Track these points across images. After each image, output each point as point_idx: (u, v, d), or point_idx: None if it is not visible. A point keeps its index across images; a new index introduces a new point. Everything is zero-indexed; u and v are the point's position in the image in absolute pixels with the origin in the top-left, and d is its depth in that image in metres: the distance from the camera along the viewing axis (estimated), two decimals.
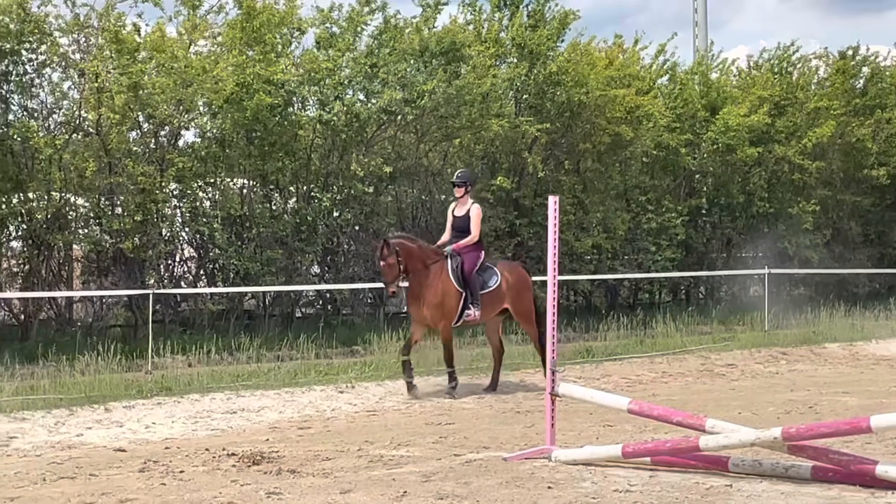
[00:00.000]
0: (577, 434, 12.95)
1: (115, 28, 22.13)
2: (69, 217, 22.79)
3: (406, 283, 17.17)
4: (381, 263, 16.61)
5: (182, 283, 24.12)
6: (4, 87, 21.99)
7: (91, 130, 22.68)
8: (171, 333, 21.71)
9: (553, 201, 11.67)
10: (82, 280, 23.73)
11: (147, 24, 23.00)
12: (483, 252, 17.40)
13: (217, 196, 24.07)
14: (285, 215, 24.27)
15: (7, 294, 21.91)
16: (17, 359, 18.23)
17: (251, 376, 17.95)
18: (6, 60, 21.68)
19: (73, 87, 22.77)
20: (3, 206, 21.64)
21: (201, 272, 24.52)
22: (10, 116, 22.13)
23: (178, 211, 23.67)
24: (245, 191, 24.46)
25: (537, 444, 11.93)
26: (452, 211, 17.62)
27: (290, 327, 23.34)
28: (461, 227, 17.28)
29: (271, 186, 24.73)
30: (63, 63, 22.44)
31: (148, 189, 22.23)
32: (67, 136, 22.57)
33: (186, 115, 23.20)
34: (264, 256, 23.52)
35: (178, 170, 22.71)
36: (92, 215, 22.88)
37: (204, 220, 23.37)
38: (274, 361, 19.79)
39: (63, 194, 22.48)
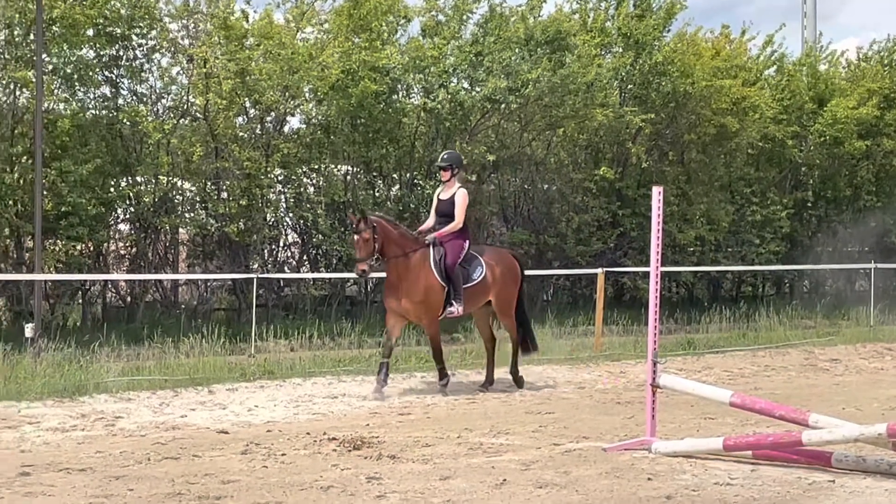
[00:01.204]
0: (678, 426, 12.87)
1: (223, 14, 22.38)
2: (176, 201, 23.11)
3: (373, 268, 15.72)
4: (356, 237, 15.42)
5: (285, 268, 24.33)
6: (115, 72, 22.32)
7: (199, 115, 22.96)
8: (273, 318, 21.92)
9: (657, 192, 11.61)
10: (187, 263, 24.04)
11: (255, 11, 23.29)
12: (468, 241, 16.25)
13: (321, 182, 24.22)
14: (388, 202, 24.36)
15: (114, 276, 22.25)
16: (124, 340, 18.50)
17: (352, 362, 18.07)
18: (117, 45, 22.02)
19: (181, 72, 23.08)
20: (112, 190, 21.99)
21: (304, 257, 24.71)
22: (120, 101, 22.47)
23: (282, 196, 23.86)
24: (349, 177, 24.59)
25: (637, 435, 11.89)
26: (438, 195, 16.46)
27: None
28: (446, 213, 16.09)
29: (375, 173, 24.84)
30: (172, 48, 22.76)
31: (253, 174, 22.45)
32: (175, 121, 22.90)
33: (292, 102, 23.39)
34: None
35: (283, 155, 22.93)
36: (198, 199, 23.19)
37: (308, 205, 23.55)
38: (375, 347, 19.85)
39: (170, 178, 22.80)
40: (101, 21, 21.23)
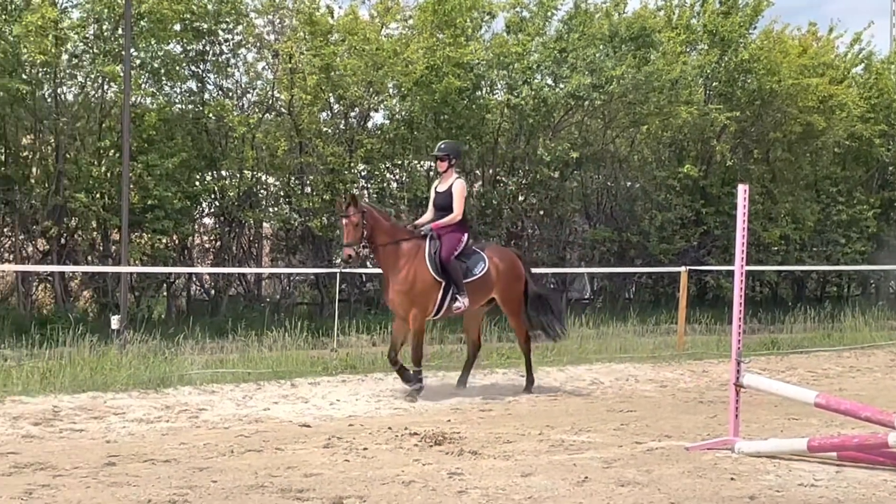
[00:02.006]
0: (761, 426, 12.76)
1: (309, 10, 22.53)
2: (260, 195, 23.29)
3: (360, 255, 14.94)
4: (344, 221, 14.71)
5: (367, 263, 24.32)
6: (201, 67, 22.55)
7: (283, 110, 23.14)
8: (356, 312, 22.00)
9: (742, 190, 11.51)
10: (271, 257, 24.21)
11: (340, 7, 23.50)
12: (466, 234, 15.37)
13: (404, 178, 24.30)
14: (471, 199, 24.35)
15: (199, 269, 22.45)
16: (208, 333, 18.65)
17: (434, 357, 18.08)
18: (203, 40, 22.25)
19: (267, 67, 23.31)
20: (197, 184, 22.21)
21: None
22: (206, 95, 22.71)
23: (365, 191, 23.95)
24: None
25: (720, 434, 11.79)
26: (435, 187, 15.61)
27: None
28: (443, 205, 15.20)
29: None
30: (258, 44, 22.97)
31: (337, 169, 22.57)
32: (260, 116, 23.09)
33: (376, 97, 23.50)
34: None
35: (366, 151, 23.04)
36: (282, 194, 23.35)
37: (391, 201, 23.61)
38: (456, 344, 19.87)
39: (255, 173, 22.99)
40: (189, 16, 21.47)
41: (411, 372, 15.12)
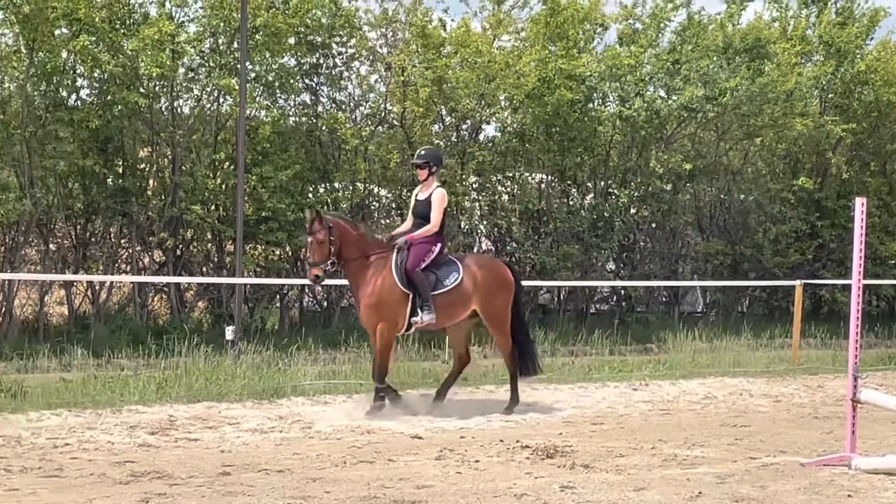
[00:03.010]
0: (879, 442, 12.54)
1: (422, 23, 22.64)
2: (372, 207, 23.41)
3: (328, 273, 14.33)
4: (310, 239, 13.99)
5: None
6: (315, 80, 22.75)
7: (395, 123, 23.29)
8: None
9: (860, 203, 11.33)
10: None
11: (452, 20, 23.56)
12: (439, 245, 14.36)
13: (515, 190, 24.29)
14: (582, 211, 24.32)
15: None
16: (321, 344, 18.77)
17: (546, 370, 18.00)
18: (317, 53, 22.46)
19: (379, 80, 23.46)
20: (311, 196, 22.37)
21: None
22: (320, 108, 22.90)
23: (477, 204, 23.98)
24: (543, 185, 24.60)
25: (836, 450, 11.61)
26: (416, 195, 14.72)
27: (584, 323, 23.38)
28: (422, 214, 14.37)
29: (569, 182, 24.83)
30: (371, 56, 23.13)
31: (449, 181, 22.59)
32: (373, 128, 23.24)
33: (488, 110, 23.54)
34: (560, 251, 23.64)
35: (478, 163, 23.10)
36: (394, 206, 23.44)
37: (502, 213, 23.63)
38: (568, 356, 19.84)
39: (367, 185, 23.12)
40: (303, 29, 21.68)
41: (376, 391, 14.22)
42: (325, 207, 22.74)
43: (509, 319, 14.80)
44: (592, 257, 24.57)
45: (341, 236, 13.97)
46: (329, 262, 14.03)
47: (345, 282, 21.80)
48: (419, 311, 14.01)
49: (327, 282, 22.04)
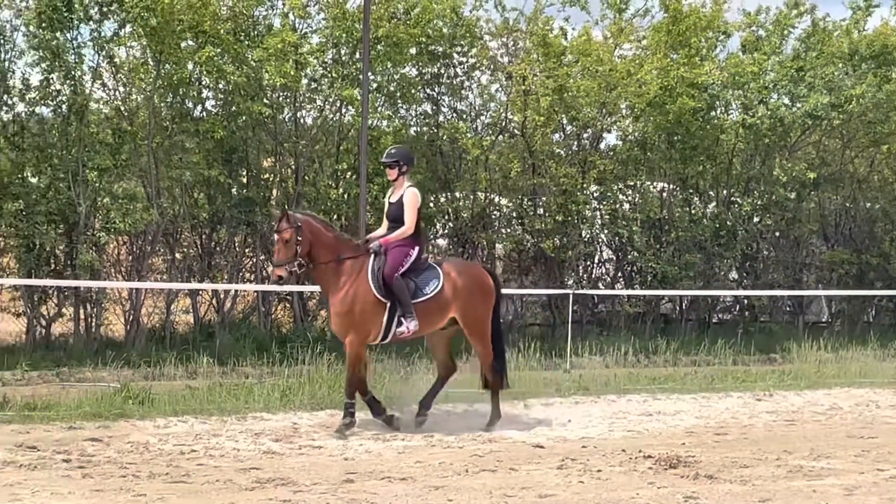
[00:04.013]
0: None
1: (542, 32, 22.60)
2: (493, 216, 23.42)
3: (293, 274, 13.60)
4: (275, 237, 13.38)
5: (600, 285, 24.33)
6: (436, 89, 22.83)
7: (516, 132, 23.28)
8: (587, 334, 21.92)
9: None
10: (503, 278, 24.28)
11: (573, 28, 23.38)
12: (417, 248, 13.71)
13: (637, 199, 24.15)
14: (704, 219, 24.11)
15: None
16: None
17: (667, 380, 17.91)
18: (438, 63, 22.52)
19: (500, 89, 23.45)
20: (432, 205, 22.45)
21: (619, 274, 24.66)
22: (441, 118, 22.95)
23: (597, 213, 23.88)
24: (665, 194, 24.44)
25: None
26: (388, 198, 14.05)
27: (707, 332, 23.17)
28: (395, 217, 13.69)
29: (691, 190, 24.63)
30: (492, 66, 23.13)
31: (569, 190, 22.60)
32: (494, 138, 23.26)
33: (609, 118, 23.43)
34: (682, 260, 23.47)
35: (599, 172, 23.03)
36: (514, 215, 23.46)
37: (623, 222, 23.50)
38: (690, 366, 19.71)
39: (488, 194, 23.14)
40: (424, 39, 21.74)
41: (345, 406, 13.40)
42: (447, 217, 22.85)
43: (490, 327, 14.17)
44: (715, 266, 24.35)
45: (312, 237, 13.27)
46: (296, 263, 13.22)
47: None
48: (402, 320, 13.36)
49: None
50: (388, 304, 13.29)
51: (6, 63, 19.28)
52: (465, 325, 13.93)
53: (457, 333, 14.45)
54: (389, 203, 13.87)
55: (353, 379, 13.41)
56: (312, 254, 13.26)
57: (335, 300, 13.32)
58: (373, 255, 13.39)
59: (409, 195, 13.63)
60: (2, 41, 19.23)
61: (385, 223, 13.94)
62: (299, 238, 13.11)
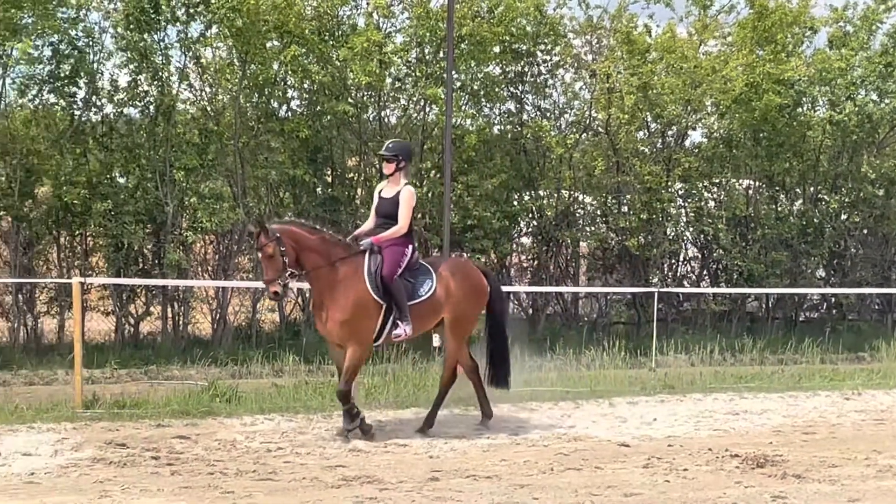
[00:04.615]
0: None
1: (626, 29, 22.53)
2: (577, 214, 23.39)
3: (288, 287, 13.12)
4: (259, 254, 12.83)
5: (685, 283, 24.20)
6: (519, 88, 22.83)
7: (600, 130, 23.22)
8: (672, 332, 21.82)
9: None
10: (587, 276, 24.28)
11: (658, 25, 23.34)
12: (411, 247, 13.16)
13: (722, 196, 24.00)
14: (791, 217, 23.90)
15: (517, 288, 22.69)
16: (526, 351, 18.80)
17: (754, 378, 17.78)
18: (522, 61, 22.53)
19: (584, 87, 23.41)
20: (516, 203, 22.47)
21: (704, 272, 24.52)
22: (525, 116, 22.95)
23: (682, 210, 23.77)
24: (750, 192, 24.25)
25: None
26: (380, 192, 13.42)
27: (794, 330, 23.00)
28: (387, 213, 13.13)
29: (777, 188, 24.42)
30: (575, 64, 23.09)
31: (654, 188, 22.50)
32: (577, 136, 23.22)
33: (694, 116, 23.31)
34: (768, 258, 23.28)
35: (684, 170, 22.93)
36: (599, 213, 23.42)
37: (708, 220, 23.38)
38: (777, 364, 19.55)
39: (572, 192, 23.12)
40: (508, 38, 21.77)
41: (345, 411, 12.79)
42: (531, 215, 22.84)
43: (472, 328, 13.80)
44: (802, 264, 24.13)
45: (296, 244, 12.60)
46: (287, 275, 12.54)
47: (549, 288, 22.22)
48: (399, 322, 12.78)
49: (532, 288, 22.39)
50: (384, 306, 12.78)
51: (95, 65, 19.54)
52: (448, 322, 13.39)
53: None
54: (381, 198, 13.29)
55: (349, 383, 12.77)
56: (301, 261, 12.66)
57: (334, 307, 12.65)
58: (367, 255, 12.87)
59: (406, 193, 13.08)
60: (90, 43, 19.48)
61: (373, 218, 13.40)
62: (282, 249, 12.46)
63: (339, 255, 12.77)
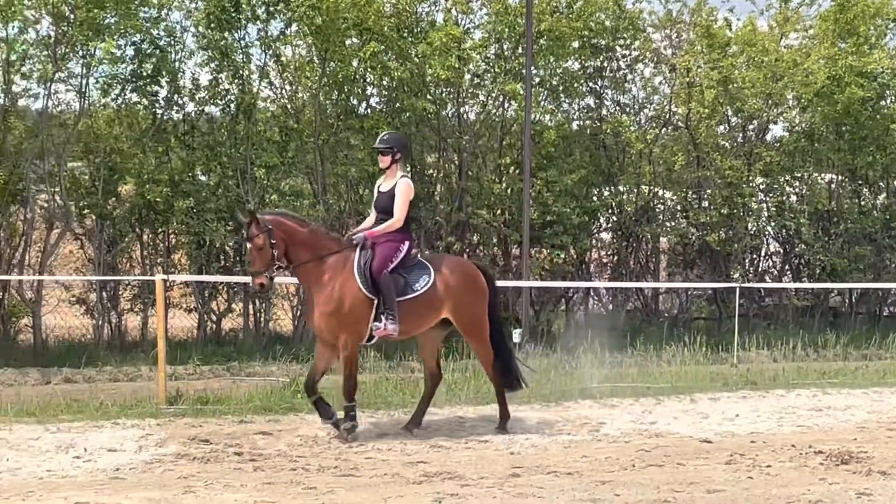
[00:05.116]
0: None
1: (706, 23, 22.43)
2: (657, 210, 23.31)
3: (274, 280, 12.76)
4: (248, 245, 12.41)
5: (766, 278, 24.03)
6: (598, 83, 22.79)
7: (680, 125, 23.12)
8: (754, 328, 21.67)
9: None
10: (668, 272, 24.16)
11: (738, 19, 23.18)
12: (407, 243, 12.63)
13: (804, 191, 23.80)
14: (874, 211, 23.68)
15: (596, 284, 22.65)
16: (607, 347, 18.73)
17: (837, 374, 17.61)
18: (601, 56, 22.49)
19: (663, 82, 23.34)
20: (595, 199, 22.42)
21: (786, 267, 24.32)
22: (604, 111, 22.91)
23: (764, 205, 23.61)
24: (833, 185, 24.03)
25: None
26: (378, 187, 12.97)
27: (877, 326, 22.76)
28: (385, 208, 12.65)
29: (860, 181, 24.17)
30: (655, 58, 23.02)
31: (735, 183, 22.36)
32: (657, 131, 23.14)
33: (775, 109, 23.15)
34: (852, 253, 23.07)
35: (765, 164, 22.77)
36: (679, 208, 23.31)
37: (790, 214, 23.19)
38: (860, 360, 19.34)
39: (651, 187, 23.03)
40: (587, 33, 21.74)
41: (335, 406, 12.58)
42: (610, 211, 22.78)
43: (487, 327, 13.08)
44: (886, 258, 23.89)
45: (286, 237, 12.27)
46: (274, 268, 12.30)
47: (629, 284, 22.14)
48: (381, 318, 12.29)
49: (612, 284, 22.33)
50: (375, 302, 12.31)
51: (177, 64, 19.74)
52: (460, 326, 12.90)
53: (449, 336, 13.69)
54: (379, 192, 12.85)
55: (350, 380, 12.50)
56: (290, 254, 12.33)
57: (320, 299, 12.28)
58: (358, 249, 12.45)
59: (402, 185, 12.59)
60: (172, 42, 19.69)
61: (373, 214, 12.95)
62: (273, 241, 12.14)
63: (329, 248, 12.47)
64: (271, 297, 20.33)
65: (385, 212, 12.60)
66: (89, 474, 10.27)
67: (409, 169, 14.95)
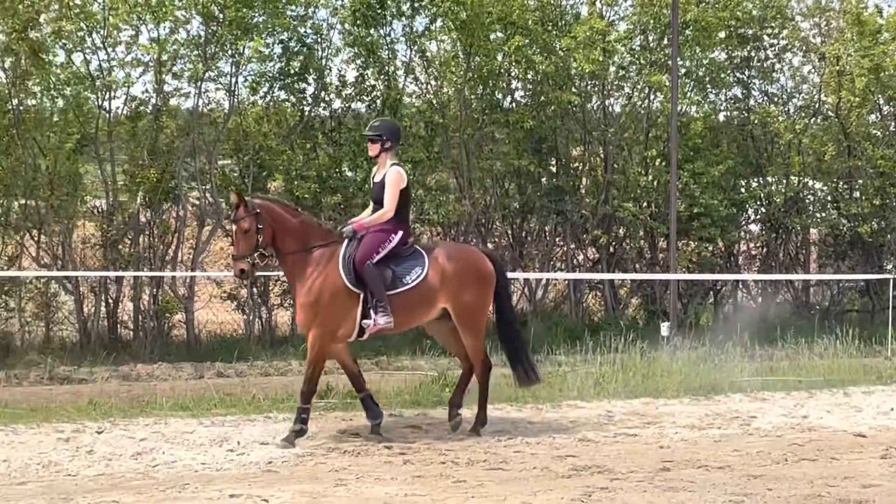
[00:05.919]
0: None
1: (856, 10, 22.08)
2: (807, 201, 23.00)
3: (257, 267, 12.02)
4: (234, 227, 11.96)
5: None
6: (746, 73, 22.55)
7: (830, 114, 22.75)
8: None
9: None
10: (818, 264, 23.81)
11: (889, 5, 22.85)
12: (400, 233, 11.93)
13: None
14: None
15: (745, 276, 22.42)
16: (756, 340, 18.51)
17: None
18: (748, 46, 22.26)
19: (812, 70, 23.02)
20: (743, 191, 22.20)
21: None
22: (751, 102, 22.68)
23: None
24: None
25: None
26: (373, 177, 12.37)
27: None
28: (379, 198, 12.00)
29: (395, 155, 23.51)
30: (804, 47, 22.73)
31: (887, 173, 21.99)
32: (806, 121, 22.82)
33: None
34: None
35: None
36: (829, 199, 22.98)
37: None
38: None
39: (801, 178, 22.72)
40: (733, 23, 21.54)
41: (298, 411, 11.82)
42: (759, 202, 22.51)
43: (484, 318, 12.47)
44: None
45: (275, 224, 11.77)
46: (258, 255, 11.74)
47: (778, 276, 21.85)
48: (372, 312, 11.66)
49: (761, 276, 22.06)
50: (361, 296, 11.70)
51: (323, 61, 19.94)
52: (453, 314, 12.11)
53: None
54: (374, 183, 12.27)
55: (311, 381, 11.84)
56: (277, 243, 11.85)
57: (301, 291, 11.78)
58: (346, 242, 11.88)
59: (391, 174, 11.92)
60: (319, 40, 19.89)
61: (371, 206, 12.33)
62: (260, 226, 11.65)
63: (318, 240, 11.92)
64: None
65: (379, 202, 12.01)
66: (242, 467, 10.44)
67: (400, 156, 14.25)
